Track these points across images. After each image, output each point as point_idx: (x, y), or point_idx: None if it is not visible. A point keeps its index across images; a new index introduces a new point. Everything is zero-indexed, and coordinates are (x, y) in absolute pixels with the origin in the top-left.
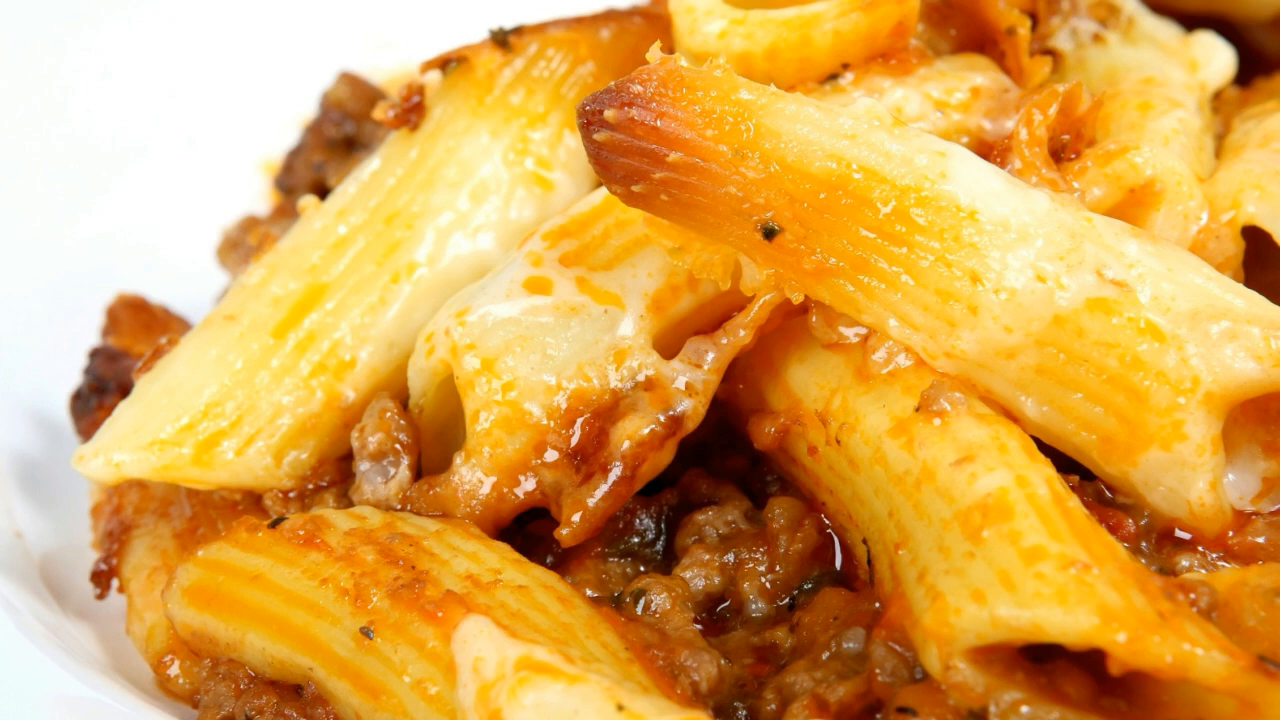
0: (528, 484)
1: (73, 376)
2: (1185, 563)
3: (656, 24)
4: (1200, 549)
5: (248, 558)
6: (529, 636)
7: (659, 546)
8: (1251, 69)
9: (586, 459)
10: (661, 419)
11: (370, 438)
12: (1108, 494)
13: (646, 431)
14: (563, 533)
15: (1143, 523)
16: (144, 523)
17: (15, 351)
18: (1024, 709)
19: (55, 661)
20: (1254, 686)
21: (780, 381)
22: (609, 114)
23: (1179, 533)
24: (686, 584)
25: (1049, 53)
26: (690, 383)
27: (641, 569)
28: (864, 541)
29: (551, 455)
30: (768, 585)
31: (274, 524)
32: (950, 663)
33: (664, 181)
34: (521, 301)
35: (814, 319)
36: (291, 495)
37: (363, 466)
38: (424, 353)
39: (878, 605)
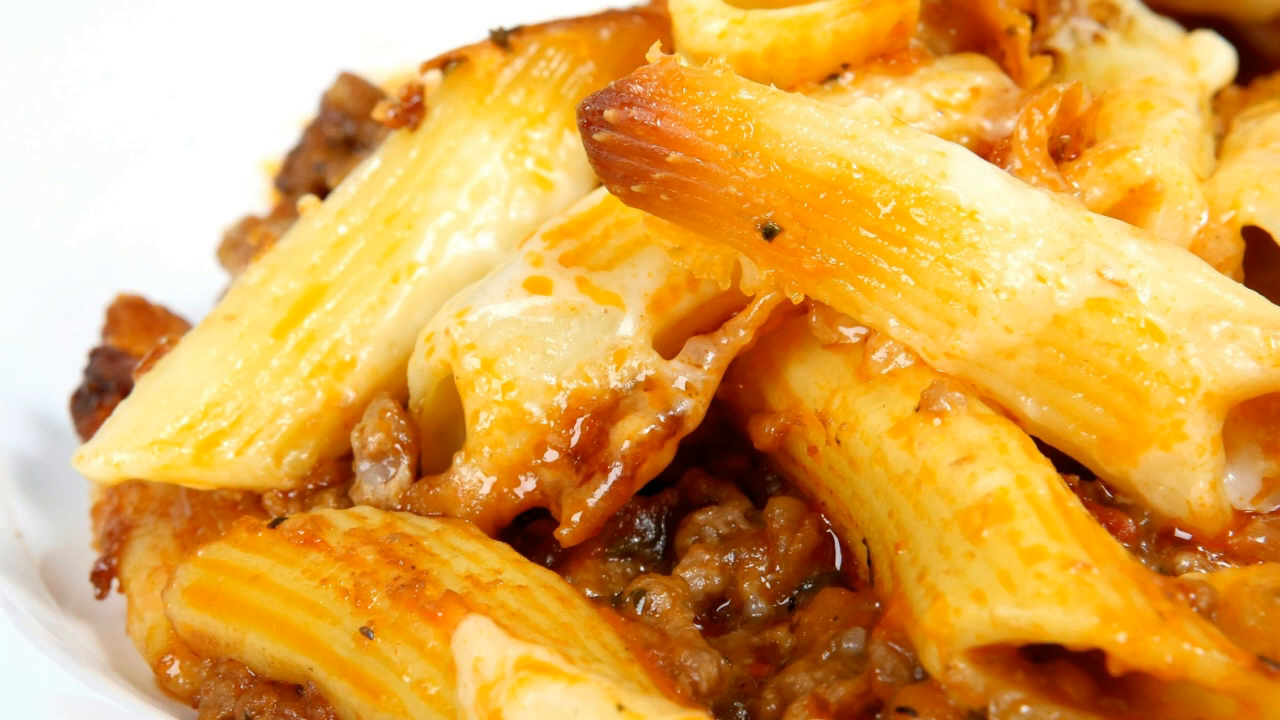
0: (528, 484)
1: (73, 376)
2: (1185, 563)
3: (656, 24)
4: (1200, 549)
5: (248, 558)
6: (529, 636)
7: (659, 546)
8: (1251, 69)
9: (586, 459)
10: (661, 419)
11: (370, 438)
12: (1108, 494)
13: (646, 431)
14: (563, 533)
15: (1143, 523)
16: (144, 523)
17: (15, 351)
18: (1024, 709)
19: (55, 661)
20: (1254, 686)
21: (780, 381)
22: (609, 114)
23: (1179, 533)
24: (686, 584)
25: (1049, 53)
26: (690, 383)
27: (641, 569)
28: (864, 541)
29: (551, 455)
30: (768, 585)
31: (274, 524)
32: (950, 663)
33: (664, 181)
34: (521, 301)
35: (814, 319)
36: (291, 495)
37: (363, 466)
38: (424, 353)
39: (878, 605)
